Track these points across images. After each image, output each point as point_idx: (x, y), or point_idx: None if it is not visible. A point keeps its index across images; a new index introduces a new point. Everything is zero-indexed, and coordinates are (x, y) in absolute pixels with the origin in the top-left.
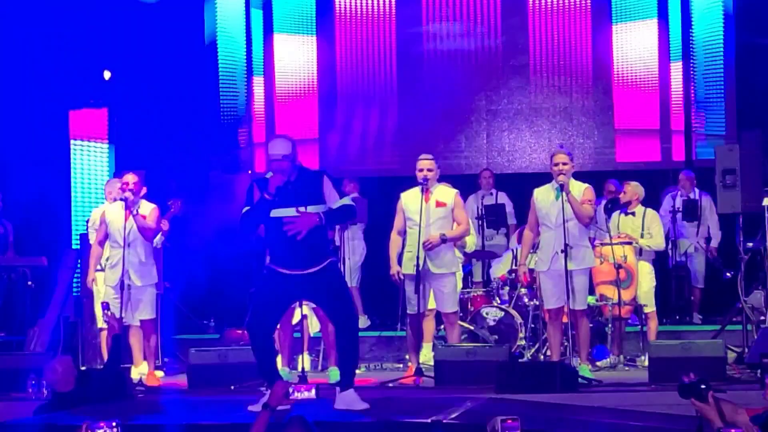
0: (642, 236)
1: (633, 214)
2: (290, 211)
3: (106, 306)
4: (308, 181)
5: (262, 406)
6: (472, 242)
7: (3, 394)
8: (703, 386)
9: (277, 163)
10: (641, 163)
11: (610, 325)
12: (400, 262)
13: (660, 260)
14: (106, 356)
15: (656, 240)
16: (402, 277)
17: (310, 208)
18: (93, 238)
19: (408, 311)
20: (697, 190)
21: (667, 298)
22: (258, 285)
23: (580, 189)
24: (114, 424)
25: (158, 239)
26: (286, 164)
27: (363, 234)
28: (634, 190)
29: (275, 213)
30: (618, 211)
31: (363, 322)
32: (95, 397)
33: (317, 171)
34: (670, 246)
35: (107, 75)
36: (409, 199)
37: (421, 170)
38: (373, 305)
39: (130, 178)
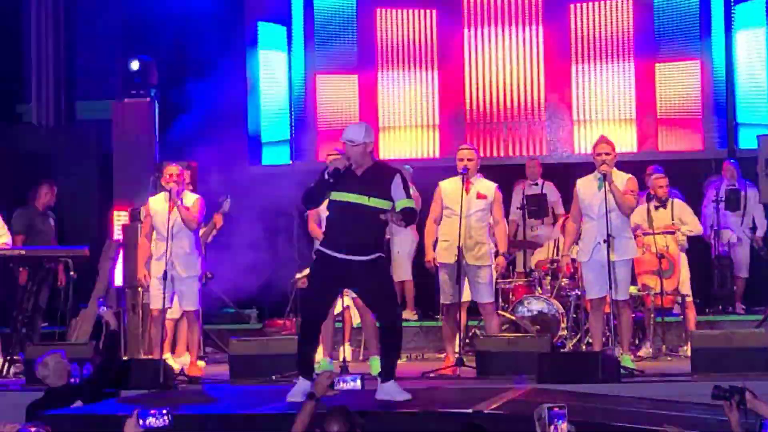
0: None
1: (664, 206)
2: (349, 197)
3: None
4: (380, 174)
5: (307, 395)
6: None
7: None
8: (735, 394)
9: (346, 148)
10: (683, 152)
11: (653, 315)
12: (435, 250)
13: (702, 250)
14: (149, 347)
15: (694, 225)
16: (437, 266)
17: (375, 201)
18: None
19: (442, 301)
20: (742, 180)
21: (710, 288)
22: (311, 270)
23: (623, 179)
24: (165, 411)
25: (211, 234)
26: (353, 150)
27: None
28: (664, 183)
29: (337, 196)
30: (648, 204)
31: (410, 315)
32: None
33: (393, 167)
34: (712, 236)
35: (135, 65)
36: (449, 188)
37: (462, 160)
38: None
39: (174, 169)
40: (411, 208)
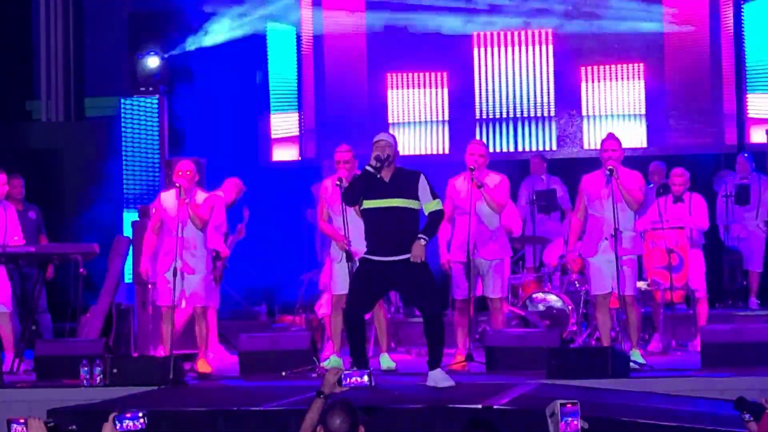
0: None
1: (682, 200)
2: (382, 202)
3: None
4: (404, 179)
5: (316, 393)
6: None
7: (56, 380)
8: (754, 410)
9: (381, 146)
10: (692, 146)
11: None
12: (449, 249)
13: (713, 244)
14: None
15: (699, 220)
16: (451, 266)
17: (403, 202)
18: None
19: (456, 296)
20: (755, 174)
21: (720, 282)
22: (355, 272)
23: (628, 175)
24: (140, 414)
25: (233, 242)
26: (390, 148)
27: None
28: (685, 177)
29: (372, 203)
30: (665, 197)
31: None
32: None
33: (415, 171)
34: (722, 230)
35: (154, 62)
36: (458, 186)
37: (472, 155)
38: None
39: (184, 166)
40: (439, 210)
